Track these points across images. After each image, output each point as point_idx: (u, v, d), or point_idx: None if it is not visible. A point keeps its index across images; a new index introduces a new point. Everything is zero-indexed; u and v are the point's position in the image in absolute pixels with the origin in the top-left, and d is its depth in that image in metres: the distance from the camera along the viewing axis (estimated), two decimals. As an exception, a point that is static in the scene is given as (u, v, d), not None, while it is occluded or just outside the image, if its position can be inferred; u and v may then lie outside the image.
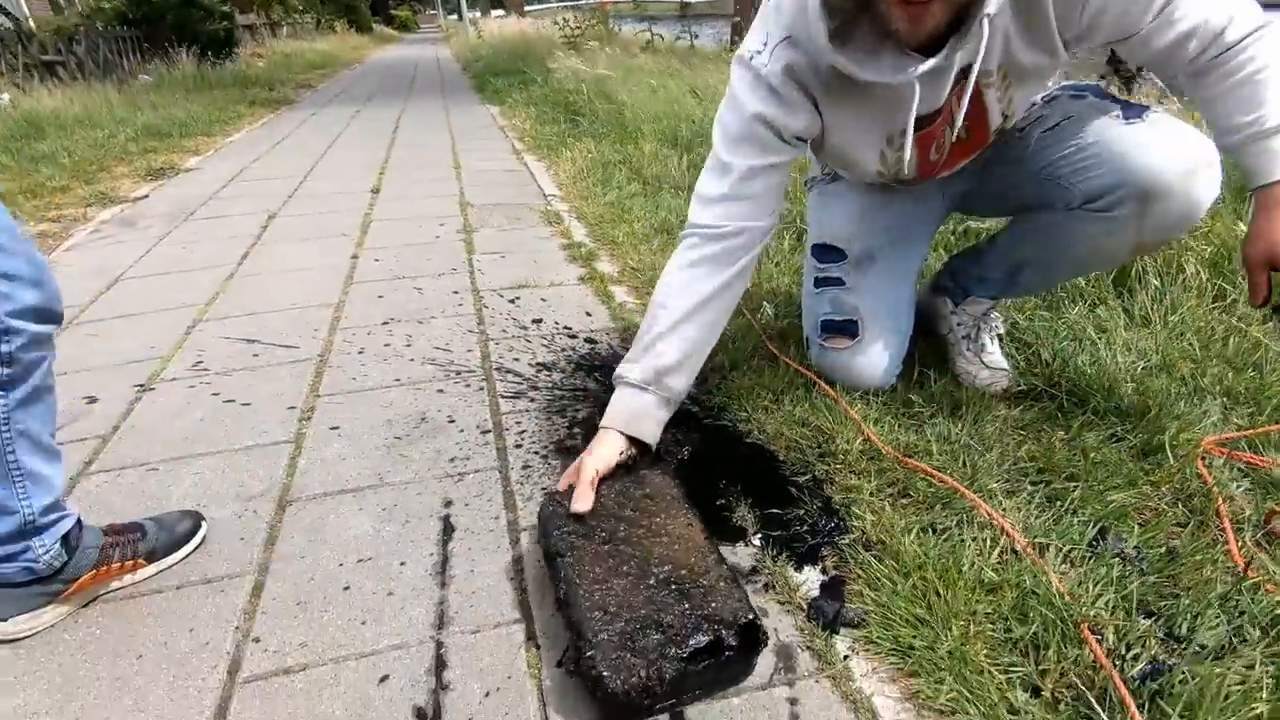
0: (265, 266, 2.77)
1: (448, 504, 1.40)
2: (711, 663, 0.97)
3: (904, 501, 1.33)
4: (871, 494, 1.35)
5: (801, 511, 1.35)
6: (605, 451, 1.29)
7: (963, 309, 1.74)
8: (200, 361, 2.00)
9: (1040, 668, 1.00)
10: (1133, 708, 0.91)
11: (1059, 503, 1.30)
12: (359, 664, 1.06)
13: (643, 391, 1.36)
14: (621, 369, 1.39)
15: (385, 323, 2.21)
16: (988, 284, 1.70)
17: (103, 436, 1.66)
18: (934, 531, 1.25)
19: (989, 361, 1.70)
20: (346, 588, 1.20)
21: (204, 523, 1.33)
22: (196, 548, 1.29)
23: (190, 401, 1.79)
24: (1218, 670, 0.93)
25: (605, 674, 0.92)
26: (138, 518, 1.26)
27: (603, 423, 1.36)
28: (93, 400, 1.81)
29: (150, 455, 1.58)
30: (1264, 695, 0.91)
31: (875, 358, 1.61)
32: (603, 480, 1.25)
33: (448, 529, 1.33)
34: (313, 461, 1.54)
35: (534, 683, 1.03)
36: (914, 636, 1.06)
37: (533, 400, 1.76)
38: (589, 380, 1.85)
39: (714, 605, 1.02)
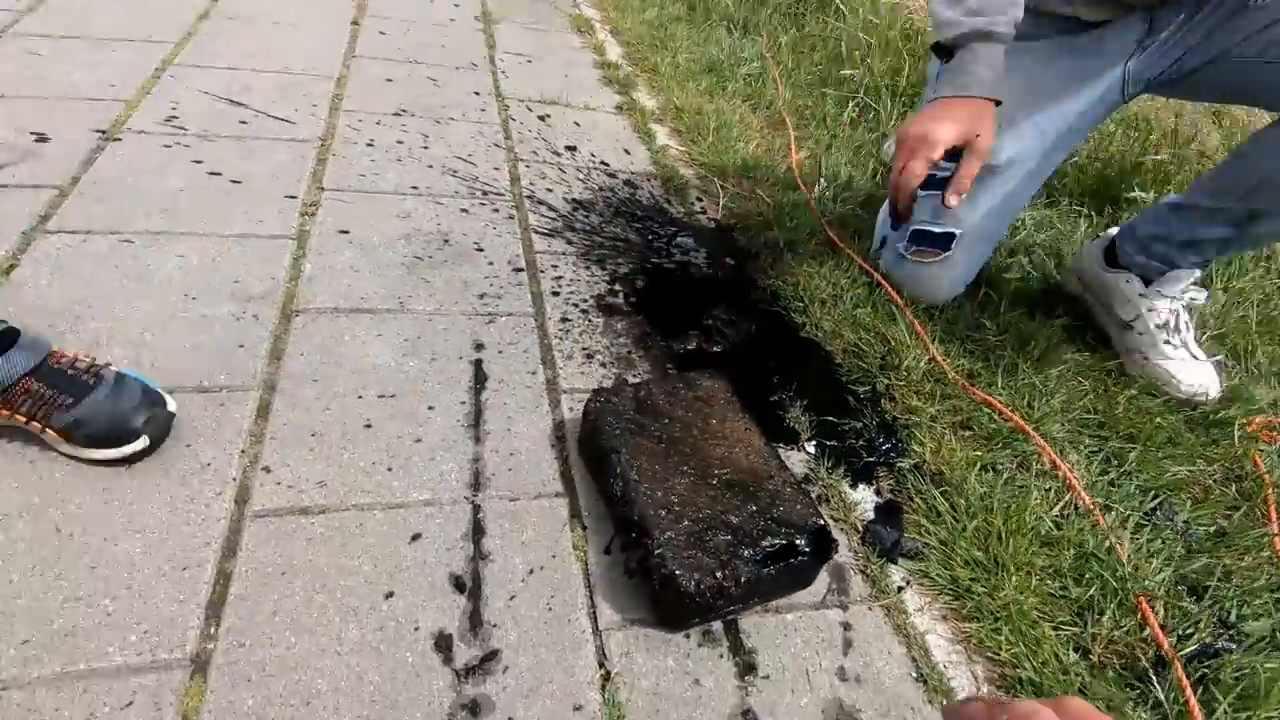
0: (246, 10, 2.32)
1: (479, 347, 1.25)
2: (783, 567, 0.91)
3: (965, 434, 1.27)
4: (932, 419, 1.28)
5: (859, 425, 1.27)
6: (988, 125, 1.10)
7: (1158, 290, 1.43)
8: (175, 116, 1.68)
9: (1092, 631, 0.98)
10: (1187, 686, 0.91)
11: (1117, 463, 1.26)
12: (386, 516, 0.95)
13: (1002, 45, 1.11)
14: (976, 22, 1.10)
15: (397, 114, 1.91)
16: (1202, 247, 1.38)
17: (59, 188, 1.39)
18: (994, 471, 1.20)
19: (1195, 354, 1.40)
20: (368, 425, 1.07)
21: (153, 437, 0.95)
22: (127, 458, 0.94)
23: (166, 165, 1.51)
24: (1269, 665, 0.94)
25: (677, 572, 0.85)
26: (110, 368, 0.96)
27: (954, 90, 1.13)
28: (42, 139, 1.51)
29: (123, 223, 1.33)
30: (1309, 697, 0.92)
31: (958, 272, 1.48)
32: (648, 381, 1.12)
33: (479, 377, 1.19)
34: (320, 268, 1.33)
35: (580, 566, 0.95)
36: (972, 579, 1.02)
37: (569, 242, 1.57)
38: (629, 230, 1.66)
39: (781, 509, 0.95)
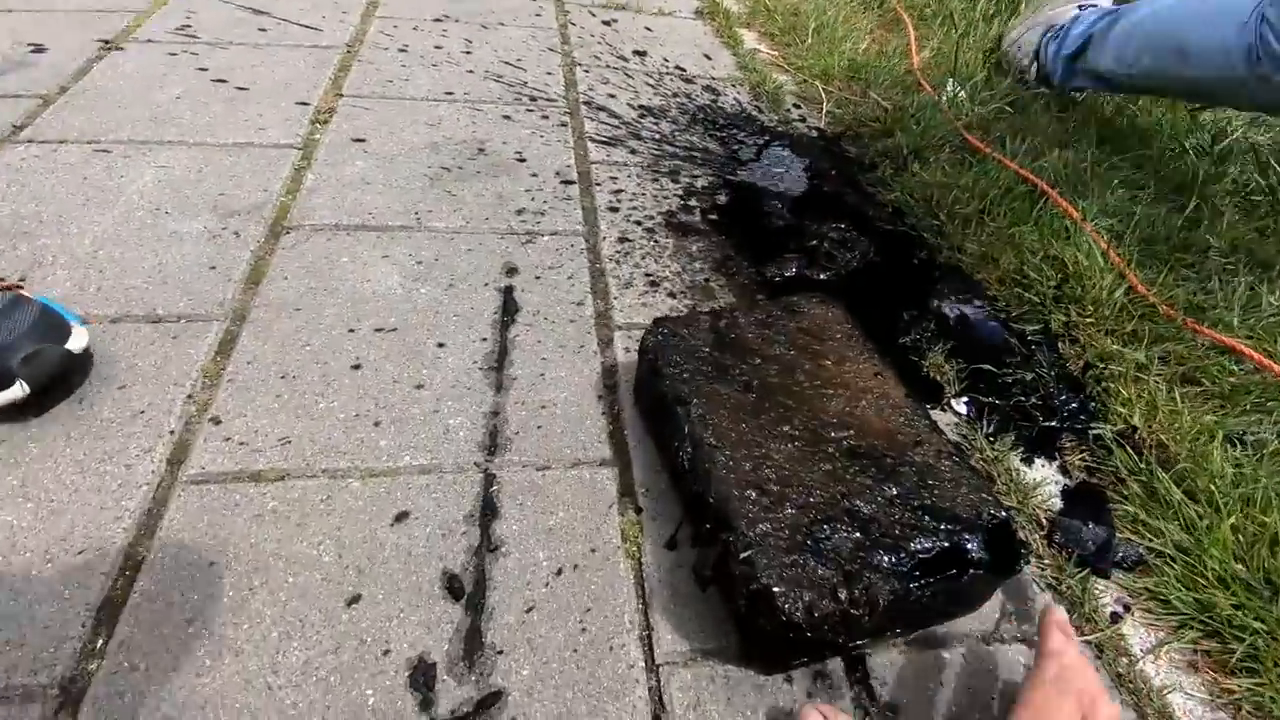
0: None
1: (510, 272, 0.96)
2: (940, 582, 0.58)
3: (1193, 390, 0.88)
4: (1140, 369, 0.90)
5: (1029, 376, 0.90)
6: None
7: None
8: (189, 25, 1.47)
9: None
10: None
11: None
12: (366, 487, 0.69)
13: None
14: None
15: (438, 19, 1.64)
16: None
17: (44, 96, 1.19)
18: (1246, 445, 0.81)
19: None
20: (357, 366, 0.81)
21: (32, 382, 0.68)
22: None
23: (167, 73, 1.30)
24: None
25: (775, 588, 0.54)
26: (9, 292, 0.72)
27: None
28: (40, 50, 1.32)
29: (103, 131, 1.12)
30: None
31: None
32: (731, 307, 0.80)
33: (509, 307, 0.91)
34: (325, 179, 1.08)
35: (631, 566, 0.66)
36: (1237, 607, 0.66)
37: (634, 152, 1.26)
38: (709, 139, 1.33)
39: (936, 494, 0.62)
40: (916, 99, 1.48)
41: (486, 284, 0.94)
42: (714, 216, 1.13)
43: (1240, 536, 0.71)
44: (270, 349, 0.81)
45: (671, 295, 0.96)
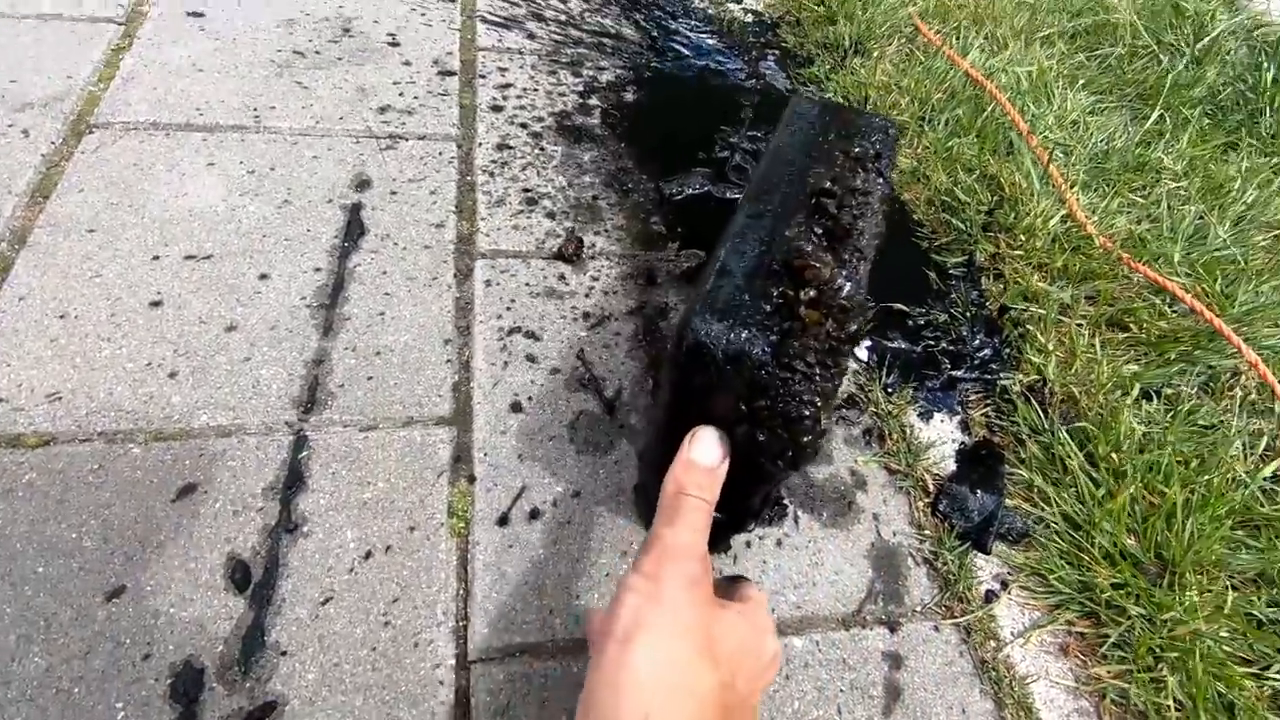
0: None
1: (361, 185, 0.83)
2: None
3: (1119, 337, 0.80)
4: (1064, 310, 0.81)
5: (942, 317, 0.81)
6: None
7: None
8: None
9: (1326, 688, 0.57)
10: None
11: (1368, 389, 0.78)
12: (148, 453, 0.59)
13: None
14: None
15: None
16: None
17: None
18: (1165, 401, 0.74)
19: None
20: (157, 303, 0.69)
21: None
22: None
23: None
24: None
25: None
26: None
27: None
28: None
29: None
30: None
31: None
32: None
33: (353, 230, 0.78)
34: (147, 64, 0.91)
35: (455, 545, 0.58)
36: (1119, 587, 0.61)
37: (532, 37, 1.08)
38: (625, 23, 1.15)
39: None
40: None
41: (330, 200, 0.80)
42: (616, 118, 0.98)
43: (1137, 508, 0.65)
44: (51, 281, 0.68)
45: (550, 216, 0.84)
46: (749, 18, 1.23)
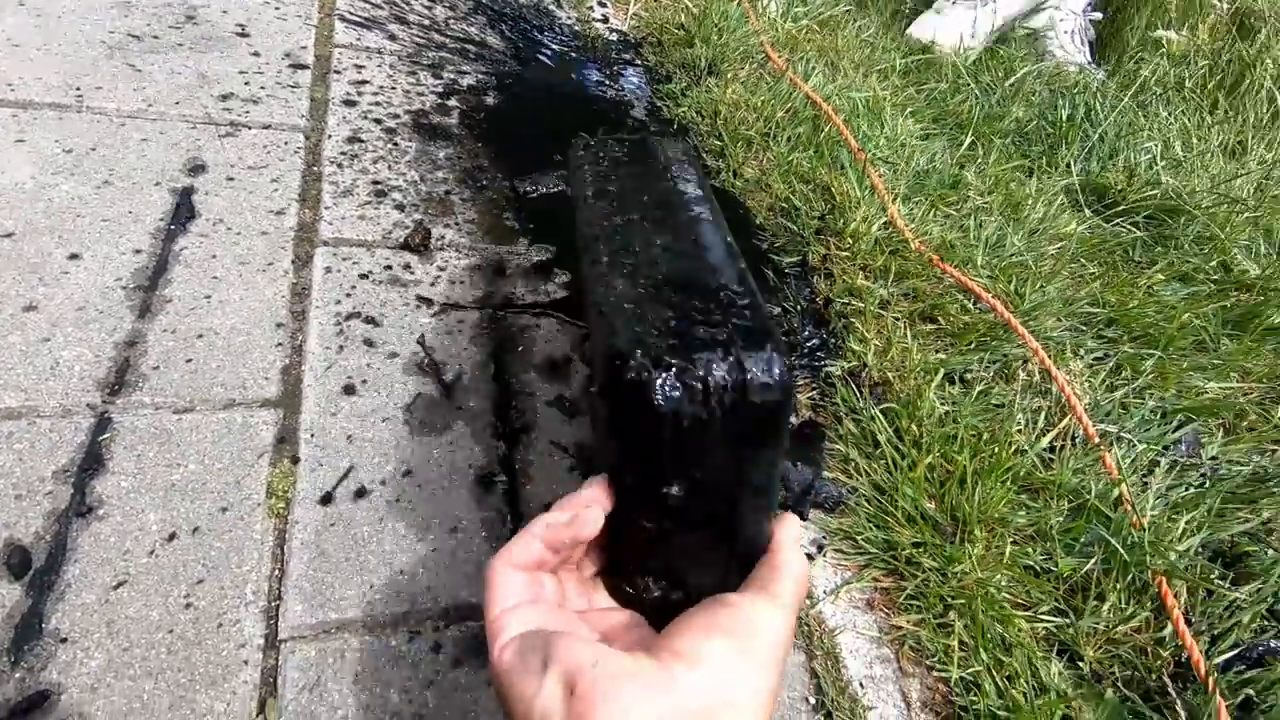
0: None
1: (195, 170, 0.80)
2: None
3: (928, 328, 0.89)
4: (884, 305, 0.89)
5: (777, 310, 0.87)
6: None
7: None
8: None
9: (1087, 625, 0.65)
10: (1224, 715, 0.59)
11: (1129, 375, 0.90)
12: (-83, 436, 0.54)
13: None
14: None
15: None
16: None
17: None
18: (964, 384, 0.83)
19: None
20: (-59, 280, 0.63)
21: None
22: None
23: None
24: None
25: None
26: None
27: None
28: None
29: None
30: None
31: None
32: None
33: (184, 213, 0.75)
34: (-50, 35, 0.84)
35: (273, 525, 0.56)
36: (917, 544, 0.67)
37: (393, 38, 1.08)
38: (491, 32, 1.17)
39: None
40: (724, 8, 1.38)
41: (158, 183, 0.77)
42: (475, 120, 0.99)
43: (934, 475, 0.72)
44: None
45: (400, 208, 0.84)
46: (613, 36, 1.28)
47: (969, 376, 0.83)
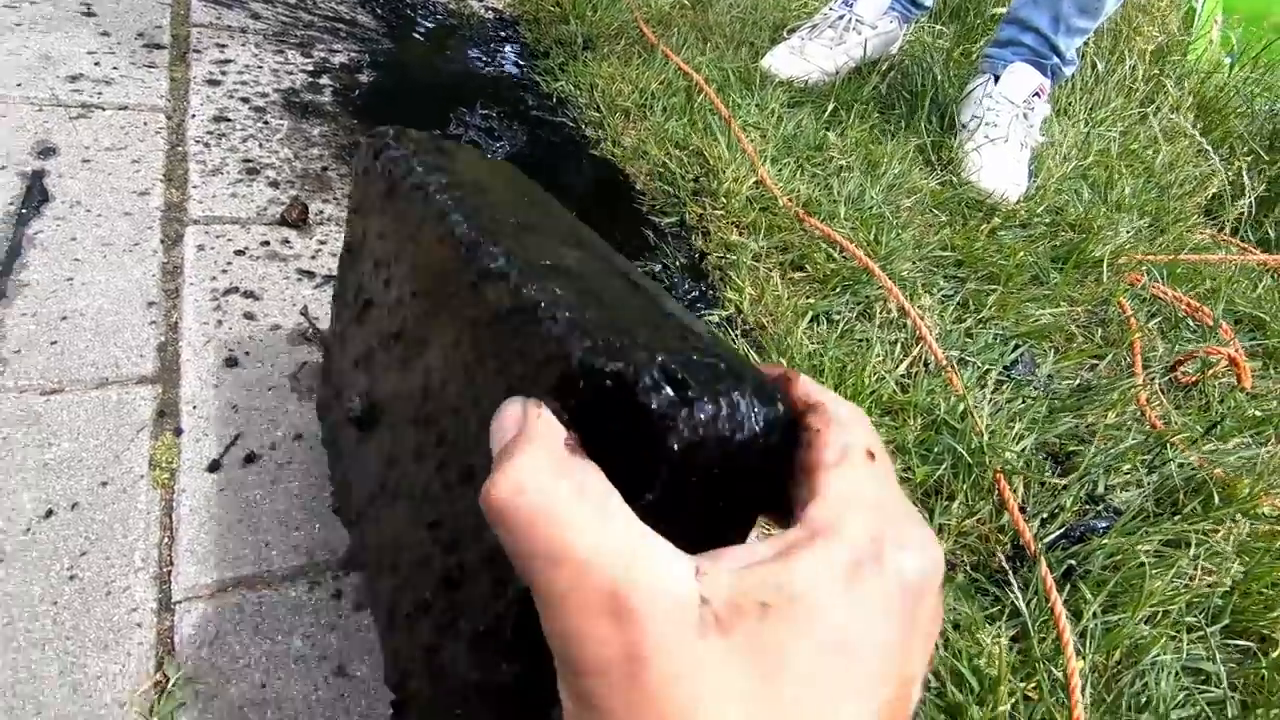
0: None
1: (45, 153, 0.76)
2: None
3: (797, 276, 0.96)
4: (756, 258, 0.96)
5: (657, 266, 0.92)
6: None
7: (1001, 91, 1.28)
8: None
9: (939, 523, 0.74)
10: (1051, 585, 0.69)
11: (975, 309, 1.00)
12: None
13: None
14: None
15: None
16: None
17: None
18: (829, 322, 0.91)
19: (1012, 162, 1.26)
20: None
21: None
22: None
23: None
24: (1142, 547, 0.73)
25: None
26: None
27: None
28: None
29: None
30: (1190, 580, 0.73)
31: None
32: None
33: (35, 196, 0.72)
34: None
35: (159, 495, 0.56)
36: (791, 467, 0.74)
37: (256, 17, 1.06)
38: (360, 9, 1.16)
39: None
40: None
41: (4, 168, 0.73)
42: (349, 97, 0.99)
43: (804, 404, 0.79)
44: None
45: (274, 185, 0.83)
46: (489, 14, 1.30)
47: (835, 318, 0.91)
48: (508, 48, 1.23)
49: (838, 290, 0.95)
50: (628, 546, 0.19)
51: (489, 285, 0.29)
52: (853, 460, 0.23)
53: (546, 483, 0.20)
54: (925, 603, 0.21)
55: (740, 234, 0.98)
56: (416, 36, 1.16)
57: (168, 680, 0.48)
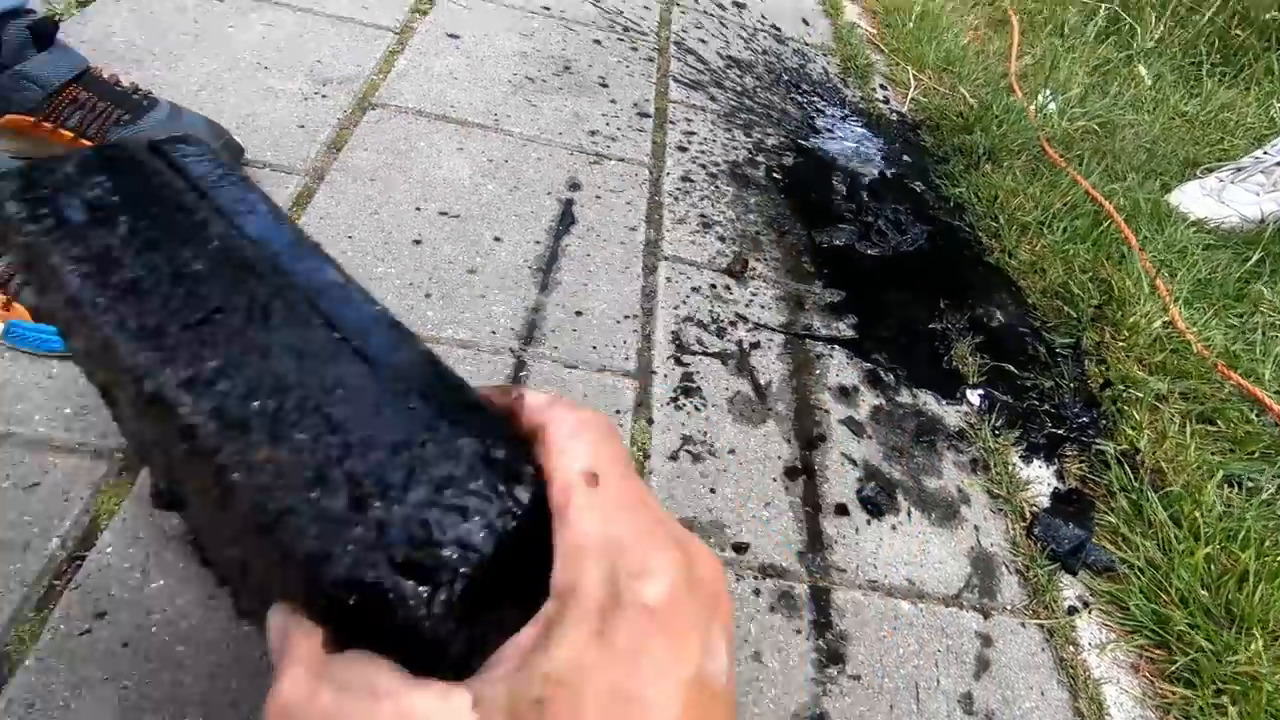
0: None
1: (574, 186, 1.00)
2: None
3: (1206, 429, 0.90)
4: (1159, 399, 0.91)
5: (1048, 383, 0.93)
6: None
7: None
8: (310, -104, 1.50)
9: (1374, 751, 0.64)
10: None
11: None
12: (408, 347, 0.75)
13: None
14: None
15: (548, -66, 1.65)
16: None
17: (169, -61, 1.24)
18: (1244, 489, 0.83)
19: None
20: (418, 241, 0.86)
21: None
22: None
23: (285, -62, 1.34)
24: None
25: None
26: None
27: None
28: (170, -107, 1.37)
29: (217, -18, 1.17)
30: None
31: None
32: None
33: (566, 218, 0.95)
34: (416, 66, 1.12)
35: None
36: (1190, 626, 0.69)
37: (713, 99, 1.27)
38: (789, 102, 1.34)
39: None
40: (1005, 101, 1.46)
41: (549, 193, 0.98)
42: (778, 175, 1.15)
43: (1212, 566, 0.73)
44: (342, 210, 0.87)
45: (721, 239, 1.00)
46: (894, 116, 1.41)
47: (1250, 485, 0.84)
48: (909, 148, 1.32)
49: (1255, 455, 0.87)
50: (398, 714, 0.21)
51: (198, 460, 0.25)
52: (576, 501, 0.23)
53: (305, 694, 0.22)
54: (683, 610, 0.22)
55: (1142, 370, 0.94)
56: (831, 128, 1.31)
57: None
